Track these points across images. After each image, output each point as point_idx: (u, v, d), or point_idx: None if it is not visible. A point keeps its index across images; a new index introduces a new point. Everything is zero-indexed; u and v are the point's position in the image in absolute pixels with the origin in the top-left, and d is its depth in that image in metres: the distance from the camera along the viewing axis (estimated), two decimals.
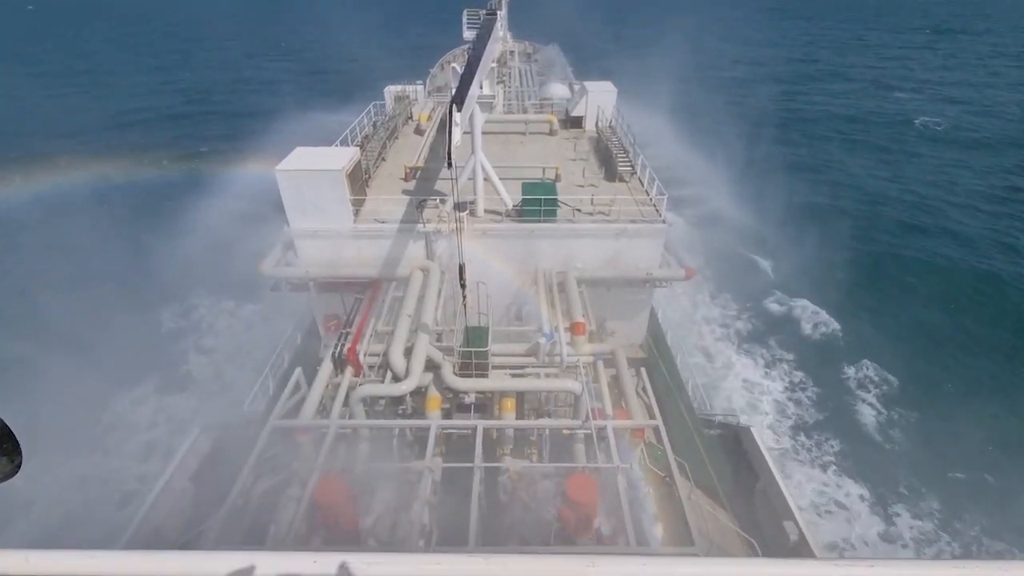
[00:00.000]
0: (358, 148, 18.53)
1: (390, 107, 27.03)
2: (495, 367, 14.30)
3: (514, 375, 14.41)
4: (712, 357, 27.47)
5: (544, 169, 20.15)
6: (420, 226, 16.70)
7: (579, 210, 17.59)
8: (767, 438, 19.02)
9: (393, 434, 12.85)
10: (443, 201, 17.16)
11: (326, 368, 14.06)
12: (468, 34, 35.49)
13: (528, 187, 17.19)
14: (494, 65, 15.32)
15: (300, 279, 17.17)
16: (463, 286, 11.99)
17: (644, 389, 15.66)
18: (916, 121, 60.03)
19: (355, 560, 2.01)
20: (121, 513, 18.32)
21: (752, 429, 15.87)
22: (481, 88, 15.13)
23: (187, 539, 12.32)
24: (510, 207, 17.52)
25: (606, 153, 21.73)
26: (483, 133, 16.58)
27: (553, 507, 10.53)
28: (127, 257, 31.72)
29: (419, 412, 13.66)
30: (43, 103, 69.46)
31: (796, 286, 31.65)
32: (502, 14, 32.77)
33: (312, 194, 16.18)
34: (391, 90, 27.87)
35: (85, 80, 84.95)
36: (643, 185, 19.30)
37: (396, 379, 13.21)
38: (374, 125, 23.96)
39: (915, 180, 45.81)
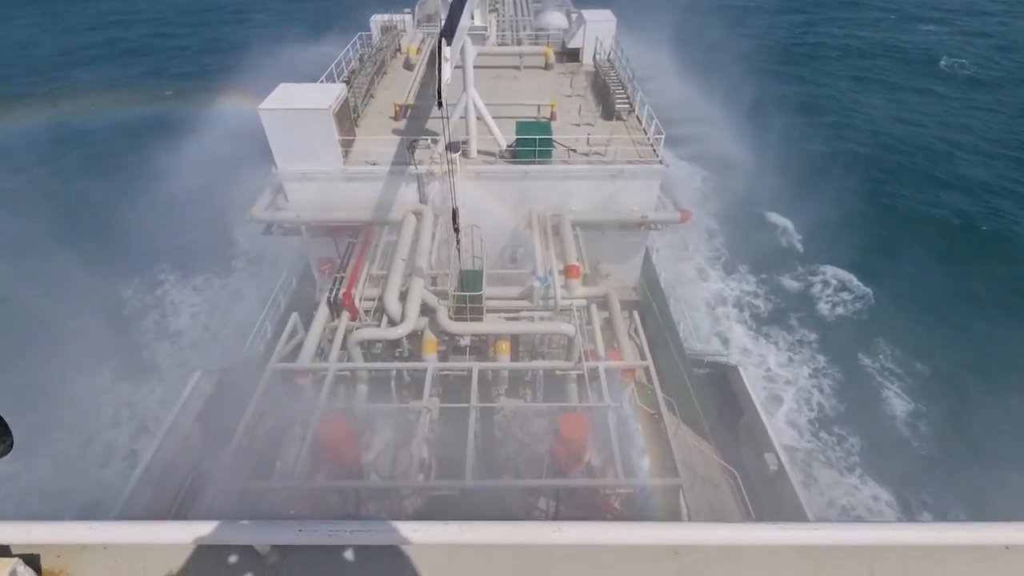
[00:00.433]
0: (344, 85, 17.74)
1: (377, 38, 25.59)
2: (490, 311, 14.47)
3: (508, 318, 14.62)
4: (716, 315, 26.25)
5: (539, 107, 19.46)
6: (412, 168, 16.32)
7: (574, 150, 17.16)
8: (753, 377, 19.56)
9: (391, 376, 13.20)
10: (435, 142, 16.67)
11: (322, 312, 14.20)
12: None
13: (522, 126, 16.67)
14: None
15: (291, 223, 16.97)
16: (456, 231, 11.90)
17: (636, 331, 15.96)
18: (942, 62, 54.21)
19: (339, 528, 2.15)
20: (129, 455, 19.08)
21: (740, 368, 16.40)
22: (472, 19, 14.29)
23: (197, 474, 12.94)
24: (504, 147, 17.06)
25: (603, 89, 20.92)
26: (475, 68, 15.84)
27: (546, 443, 11.05)
28: (94, 208, 30.58)
29: (416, 354, 13.97)
30: None
31: (812, 244, 29.42)
32: None
33: (299, 135, 15.64)
34: (377, 19, 26.28)
35: (34, 11, 77.77)
36: (641, 124, 18.74)
37: (392, 323, 13.39)
38: (360, 59, 22.80)
39: (943, 124, 41.45)
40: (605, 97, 20.48)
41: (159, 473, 13.36)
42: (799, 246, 30.11)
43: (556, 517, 10.44)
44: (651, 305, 19.08)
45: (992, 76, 50.36)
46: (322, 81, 18.78)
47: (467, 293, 13.71)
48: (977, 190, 33.26)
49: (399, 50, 25.59)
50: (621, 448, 10.90)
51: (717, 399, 16.49)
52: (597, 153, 17.07)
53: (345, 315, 14.10)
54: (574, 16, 26.60)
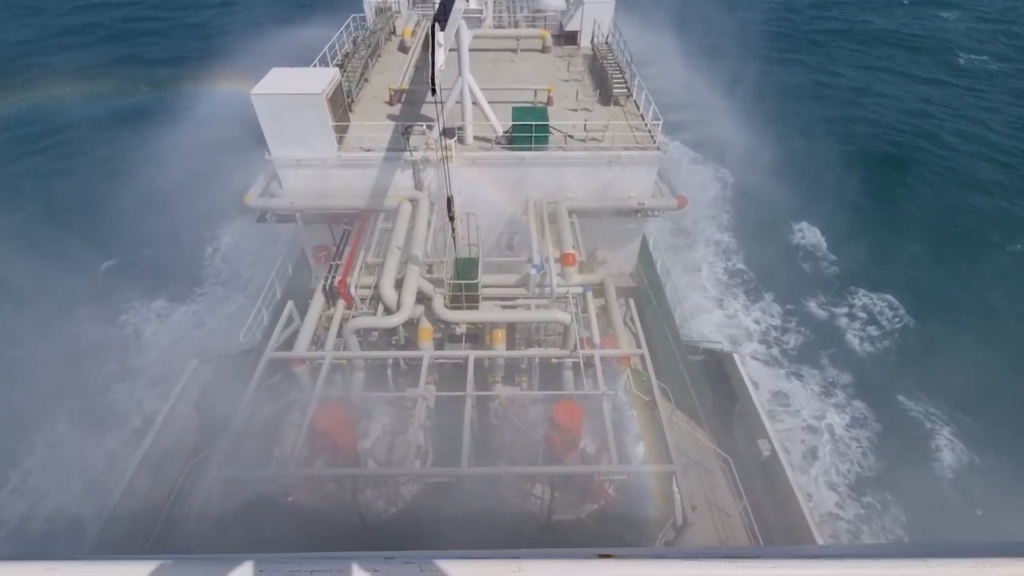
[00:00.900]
0: (338, 69, 17.45)
1: (371, 20, 25.11)
2: (486, 298, 14.47)
3: (504, 306, 14.63)
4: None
5: (536, 91, 19.21)
6: (407, 154, 16.15)
7: (571, 136, 16.99)
8: (748, 363, 19.59)
9: (387, 364, 13.23)
10: (430, 127, 16.47)
11: (318, 301, 14.18)
12: None
13: (519, 112, 16.48)
14: None
15: (286, 210, 16.83)
16: (452, 219, 11.82)
17: (632, 318, 16.00)
18: (962, 58, 50.08)
19: (299, 568, 2.10)
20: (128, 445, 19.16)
21: (734, 355, 16.48)
22: (468, 1, 14.01)
23: (196, 461, 13.04)
24: (500, 133, 16.88)
25: (601, 73, 20.64)
26: (471, 50, 15.58)
27: (541, 430, 11.14)
28: (65, 204, 29.65)
29: (412, 342, 13.99)
30: None
31: (840, 259, 27.48)
32: None
33: (292, 120, 15.43)
34: (371, 0, 25.75)
35: None
36: (639, 109, 18.54)
37: (388, 311, 13.38)
38: (354, 42, 22.40)
39: (985, 121, 38.53)
40: (603, 81, 20.22)
41: (157, 461, 13.46)
42: (825, 262, 27.88)
43: (551, 504, 10.57)
44: (647, 292, 19.10)
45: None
46: (315, 65, 18.48)
47: (463, 281, 13.68)
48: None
49: (394, 32, 25.14)
50: (616, 435, 11.01)
51: (712, 386, 16.61)
52: (594, 139, 16.91)
53: (341, 303, 14.08)
54: None
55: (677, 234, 29.23)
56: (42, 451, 19.43)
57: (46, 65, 48.59)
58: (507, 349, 13.75)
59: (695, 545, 11.98)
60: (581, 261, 15.76)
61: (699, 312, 24.63)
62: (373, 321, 13.20)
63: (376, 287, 13.80)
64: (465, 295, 13.81)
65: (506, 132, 16.73)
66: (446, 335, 14.39)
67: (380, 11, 25.42)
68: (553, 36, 23.84)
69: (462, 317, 13.63)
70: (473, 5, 14.47)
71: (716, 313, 25.03)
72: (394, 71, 21.04)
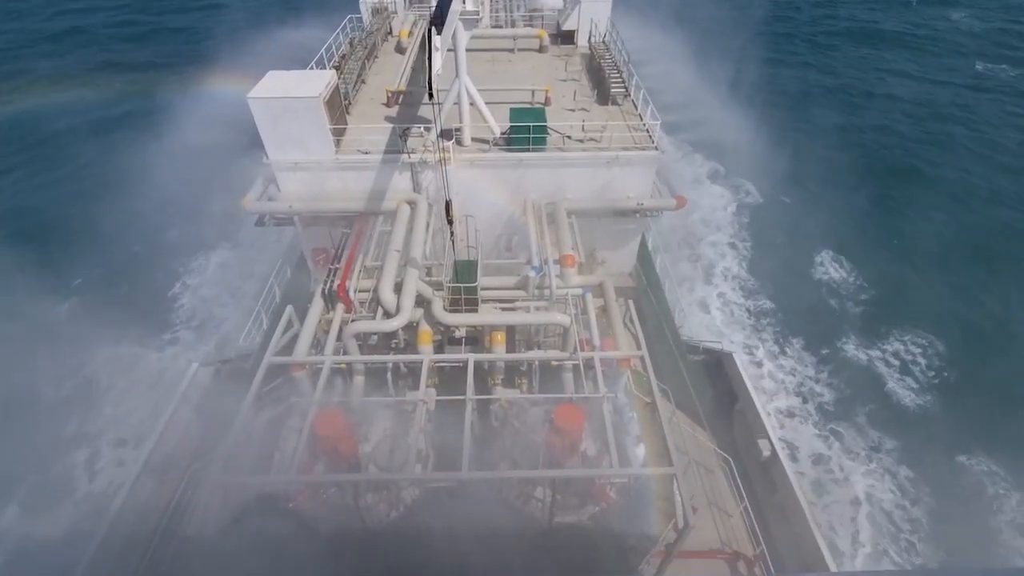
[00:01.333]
0: (335, 71, 17.38)
1: (367, 21, 25.03)
2: (485, 301, 14.45)
3: (504, 309, 14.60)
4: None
5: (533, 92, 19.16)
6: (405, 157, 16.12)
7: (569, 137, 16.95)
8: (747, 363, 19.56)
9: (387, 368, 13.22)
10: (428, 129, 16.44)
11: (317, 305, 14.16)
12: None
13: (516, 113, 16.44)
14: None
15: (284, 214, 16.81)
16: (450, 222, 11.79)
17: (631, 319, 15.99)
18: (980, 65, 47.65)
19: None
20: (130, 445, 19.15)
21: (734, 355, 16.47)
22: (464, 3, 13.95)
23: (197, 468, 13.03)
24: (498, 135, 16.84)
25: (599, 73, 20.59)
26: (467, 51, 15.52)
27: (542, 433, 11.14)
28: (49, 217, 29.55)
29: (412, 346, 13.97)
30: None
31: (869, 293, 25.60)
32: None
33: (289, 124, 15.39)
34: (368, 1, 25.65)
35: None
36: (636, 109, 18.50)
37: (387, 315, 13.36)
38: (351, 43, 22.34)
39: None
40: (600, 81, 20.18)
41: (159, 465, 13.46)
42: (852, 299, 25.79)
43: (552, 507, 10.58)
44: (647, 291, 19.09)
45: None
46: (312, 67, 18.43)
47: (462, 284, 13.66)
48: None
49: (390, 33, 25.08)
50: (616, 437, 11.01)
51: (712, 385, 16.62)
52: (592, 140, 16.88)
53: (340, 307, 14.06)
54: None
55: (693, 261, 27.84)
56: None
57: (29, 71, 47.85)
58: (507, 352, 13.73)
59: (696, 547, 12.03)
60: (580, 262, 15.74)
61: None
62: (372, 325, 13.18)
63: (375, 290, 13.77)
64: (464, 298, 13.79)
65: (504, 133, 16.70)
66: (446, 338, 14.38)
67: (376, 12, 25.33)
68: (550, 36, 23.78)
69: (461, 320, 13.62)
70: (469, 6, 14.41)
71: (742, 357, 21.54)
72: (391, 73, 20.98)
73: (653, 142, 16.77)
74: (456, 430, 10.87)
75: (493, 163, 16.46)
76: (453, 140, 16.30)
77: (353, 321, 13.42)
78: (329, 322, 13.89)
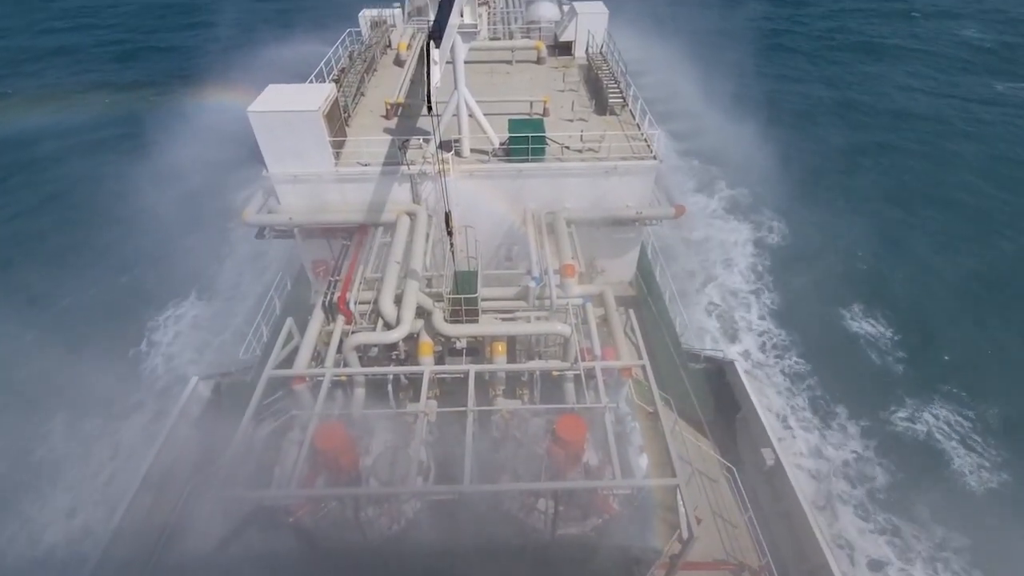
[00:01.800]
0: (334, 84, 17.53)
1: (366, 34, 25.29)
2: (485, 311, 14.43)
3: (504, 319, 14.58)
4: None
5: (532, 103, 19.29)
6: (404, 168, 16.19)
7: (568, 147, 17.04)
8: (749, 371, 19.44)
9: (388, 380, 13.17)
10: (427, 141, 16.54)
11: (317, 317, 14.14)
12: None
13: (515, 124, 16.54)
14: None
15: (284, 226, 16.85)
16: (450, 233, 11.81)
17: (632, 328, 15.97)
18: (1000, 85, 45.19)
19: None
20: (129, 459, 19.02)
21: (736, 363, 16.41)
22: (462, 16, 14.09)
23: (196, 482, 12.94)
24: (496, 145, 16.93)
25: (596, 83, 20.75)
26: (466, 63, 15.66)
27: (544, 444, 11.06)
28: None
29: (412, 357, 13.93)
30: None
31: (916, 347, 23.25)
32: None
33: (289, 137, 15.47)
34: (367, 15, 25.95)
35: None
36: (634, 119, 18.61)
37: (387, 327, 13.33)
38: (350, 56, 22.55)
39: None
40: (598, 91, 20.32)
41: (158, 481, 13.37)
42: (893, 354, 23.14)
43: (555, 519, 10.48)
44: (647, 300, 19.08)
45: None
46: (311, 80, 18.58)
47: (462, 295, 13.65)
48: None
49: (389, 46, 25.31)
50: (618, 448, 10.94)
51: (714, 394, 16.54)
52: (591, 150, 16.96)
53: (340, 319, 14.04)
54: (566, 8, 26.28)
55: (714, 313, 25.20)
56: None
57: (17, 89, 47.73)
58: (508, 362, 13.69)
59: (700, 558, 11.89)
60: (580, 272, 15.74)
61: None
62: (373, 337, 13.14)
63: (375, 302, 13.76)
64: (465, 308, 13.78)
65: (503, 144, 16.79)
66: (446, 349, 14.33)
67: (375, 25, 25.60)
68: (548, 47, 23.99)
69: (462, 331, 13.59)
70: (467, 19, 14.56)
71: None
72: (390, 85, 21.14)
73: (651, 151, 16.86)
74: (457, 442, 10.80)
75: (492, 174, 16.53)
76: (452, 151, 16.42)
77: (353, 333, 13.39)
78: (329, 334, 13.86)
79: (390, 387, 13.25)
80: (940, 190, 33.28)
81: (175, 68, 52.04)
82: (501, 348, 13.59)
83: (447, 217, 11.73)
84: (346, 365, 13.21)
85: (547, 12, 28.44)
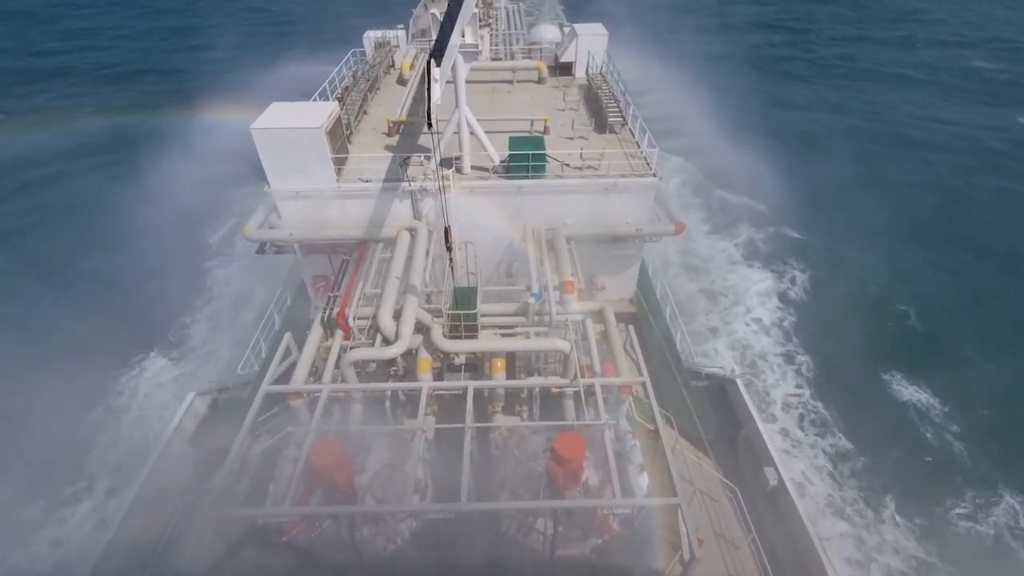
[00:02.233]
0: (337, 102, 17.79)
1: (370, 54, 25.75)
2: (484, 327, 14.37)
3: (504, 335, 14.51)
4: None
5: (532, 121, 19.52)
6: (405, 184, 16.31)
7: (568, 164, 17.18)
8: (751, 389, 19.11)
9: (386, 396, 13.06)
10: (428, 158, 16.68)
11: (316, 332, 14.09)
12: None
13: (515, 141, 16.71)
14: (477, 10, 14.42)
15: (285, 241, 16.91)
16: (449, 249, 11.83)
17: (632, 345, 15.88)
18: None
19: None
20: (121, 475, 18.80)
21: (738, 380, 16.27)
22: (463, 36, 14.34)
23: (190, 499, 12.75)
24: (497, 163, 17.07)
25: (596, 103, 21.02)
26: (468, 82, 15.89)
27: (542, 462, 10.90)
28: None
29: (411, 373, 13.83)
30: None
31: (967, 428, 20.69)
32: None
33: (292, 153, 15.63)
34: (371, 36, 26.46)
35: None
36: (634, 137, 18.79)
37: (386, 342, 13.28)
38: (354, 75, 22.91)
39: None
40: (598, 110, 20.58)
41: (151, 498, 13.17)
42: (946, 429, 20.67)
43: (554, 539, 10.27)
44: (648, 317, 19.01)
45: None
46: (315, 98, 18.85)
47: (461, 311, 13.61)
48: None
49: (392, 65, 25.74)
50: (619, 466, 10.77)
51: (716, 412, 16.36)
52: (591, 167, 17.09)
53: (339, 334, 13.98)
54: (567, 30, 26.79)
55: (752, 388, 21.86)
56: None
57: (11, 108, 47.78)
58: (507, 378, 13.57)
59: None
60: (580, 288, 15.72)
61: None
62: (371, 352, 13.08)
63: (374, 317, 13.73)
64: (464, 324, 13.72)
65: (503, 161, 16.93)
66: (445, 365, 14.24)
67: (379, 45, 26.08)
68: (549, 67, 24.37)
69: (461, 347, 13.52)
70: (469, 40, 14.82)
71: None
72: (393, 103, 21.43)
73: (651, 169, 16.97)
74: (455, 459, 10.66)
75: (493, 190, 16.64)
76: (453, 168, 16.56)
77: (352, 348, 13.33)
78: (328, 350, 13.79)
79: (388, 403, 13.13)
80: (971, 228, 31.22)
81: (178, 88, 53.09)
82: (500, 364, 13.49)
83: (446, 233, 11.76)
84: (344, 381, 13.12)
85: (548, 34, 29.00)
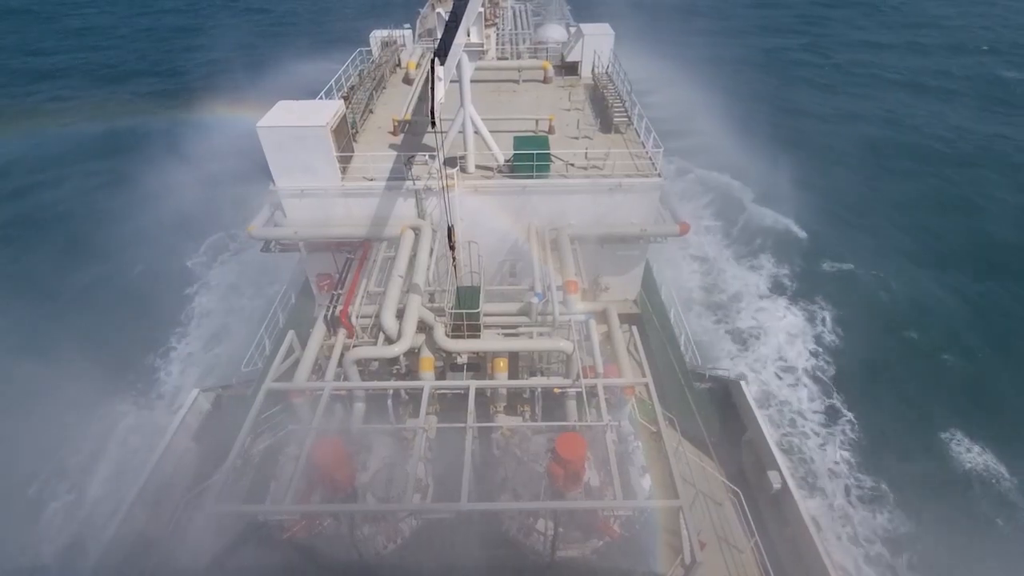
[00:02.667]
0: (343, 101, 17.80)
1: (376, 54, 25.78)
2: (487, 327, 14.35)
3: (506, 335, 14.48)
4: None
5: (537, 121, 19.47)
6: (410, 183, 16.32)
7: (572, 164, 17.13)
8: (755, 391, 18.88)
9: (388, 395, 13.06)
10: (432, 157, 16.67)
11: (319, 330, 14.11)
12: None
13: (520, 141, 16.66)
14: (482, 9, 14.38)
15: (289, 240, 16.95)
16: (452, 248, 11.81)
17: (635, 346, 15.79)
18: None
19: None
20: (126, 470, 18.91)
21: (742, 383, 16.15)
22: (469, 36, 14.31)
23: (192, 495, 12.81)
24: (501, 162, 17.05)
25: (602, 103, 20.95)
26: (473, 82, 15.87)
27: (544, 463, 10.86)
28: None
29: (413, 372, 13.84)
30: None
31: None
32: None
33: (297, 152, 15.67)
34: (377, 35, 26.50)
35: None
36: (639, 137, 18.71)
37: (389, 341, 13.28)
38: (360, 74, 22.95)
39: None
40: (603, 110, 20.50)
41: (155, 494, 13.24)
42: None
43: (555, 540, 10.23)
44: (652, 318, 18.92)
45: None
46: (321, 97, 18.90)
47: (464, 310, 13.59)
48: None
49: (399, 65, 25.77)
50: (620, 467, 10.72)
51: (719, 414, 16.26)
52: (595, 167, 17.03)
53: (342, 333, 14.01)
54: (573, 30, 26.74)
55: (791, 453, 19.55)
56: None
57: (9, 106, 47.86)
58: (509, 378, 13.55)
59: None
60: (584, 288, 15.66)
61: None
62: (373, 351, 13.08)
63: (377, 316, 13.73)
64: (467, 324, 13.71)
65: (508, 161, 16.89)
66: (447, 364, 14.23)
67: (386, 45, 26.12)
68: (554, 67, 24.32)
69: (463, 346, 13.49)
70: (474, 39, 14.79)
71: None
72: (398, 102, 21.45)
73: (656, 169, 16.89)
74: (456, 459, 10.64)
75: (497, 190, 16.61)
76: (457, 167, 16.54)
77: (354, 347, 13.34)
78: (331, 348, 13.82)
79: (390, 402, 13.13)
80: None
81: (182, 87, 53.35)
82: (502, 364, 13.46)
83: (449, 232, 11.74)
84: (346, 379, 13.13)
85: (554, 34, 28.98)
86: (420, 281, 14.14)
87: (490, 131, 16.84)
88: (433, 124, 9.60)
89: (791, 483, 13.31)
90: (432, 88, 10.30)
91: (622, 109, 19.63)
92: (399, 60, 25.88)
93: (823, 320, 25.41)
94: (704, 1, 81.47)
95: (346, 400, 13.31)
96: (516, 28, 33.57)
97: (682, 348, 18.23)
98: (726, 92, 43.05)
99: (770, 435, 14.54)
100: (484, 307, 14.15)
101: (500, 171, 16.99)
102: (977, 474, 19.16)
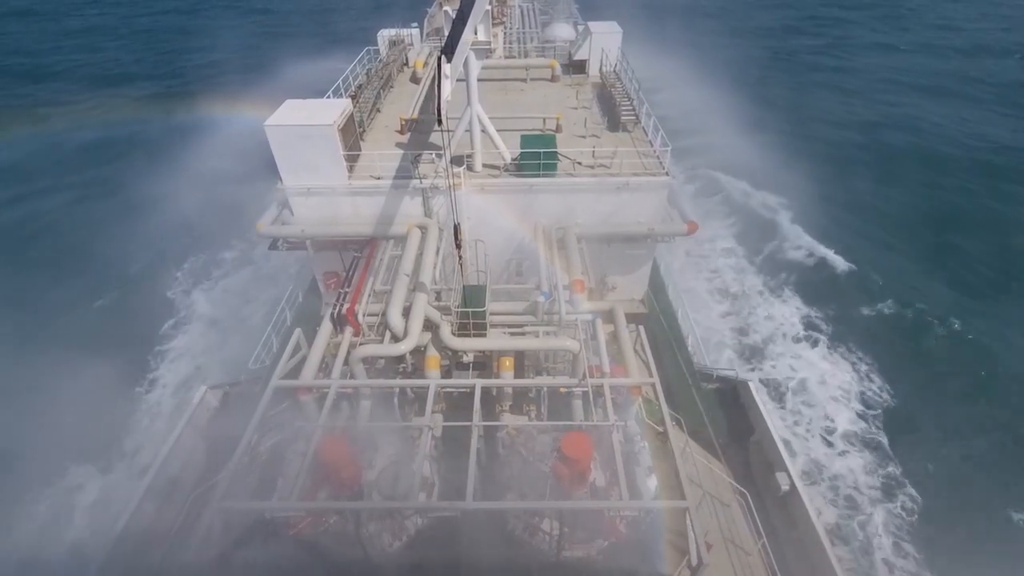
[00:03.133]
0: (350, 100, 17.86)
1: (384, 53, 25.83)
2: (494, 325, 14.33)
3: (513, 334, 14.45)
4: None
5: (544, 119, 19.42)
6: (417, 182, 16.32)
7: (580, 163, 17.06)
8: (763, 392, 18.65)
9: (394, 393, 13.07)
10: (439, 156, 16.67)
11: (326, 328, 14.15)
12: None
13: (527, 139, 16.62)
14: (490, 7, 14.35)
15: (297, 238, 17.03)
16: (458, 246, 11.79)
17: (642, 346, 15.70)
18: None
19: None
20: (135, 466, 19.08)
21: (750, 383, 16.02)
22: (476, 34, 14.28)
23: (200, 491, 12.89)
24: (508, 161, 17.01)
25: (609, 101, 20.86)
26: (481, 80, 15.85)
27: (549, 462, 10.82)
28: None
29: (419, 370, 13.84)
30: None
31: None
32: None
33: (304, 150, 15.73)
34: (385, 34, 26.55)
35: None
36: (647, 136, 18.60)
37: (395, 339, 13.29)
38: (367, 73, 23.00)
39: None
40: (611, 109, 20.41)
41: (163, 489, 13.35)
42: None
43: (560, 540, 10.19)
44: (659, 318, 18.81)
45: None
46: (329, 96, 18.95)
47: (470, 309, 13.57)
48: None
49: (406, 64, 25.80)
50: (627, 468, 10.65)
51: (727, 415, 16.13)
52: (603, 166, 16.95)
53: (349, 331, 14.03)
54: (580, 28, 26.65)
55: (845, 538, 16.95)
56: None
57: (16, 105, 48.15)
58: (515, 377, 13.51)
59: None
60: (590, 288, 15.59)
61: None
62: (380, 349, 13.10)
63: (383, 314, 13.75)
64: (473, 323, 13.69)
65: (515, 159, 16.85)
66: (453, 362, 14.22)
67: (393, 44, 26.17)
68: (562, 65, 24.25)
69: (469, 345, 13.47)
70: (482, 37, 14.76)
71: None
72: (406, 101, 21.48)
73: (664, 168, 16.78)
74: (462, 457, 10.62)
75: (504, 188, 16.57)
76: (464, 166, 16.54)
77: (361, 345, 13.36)
78: (337, 346, 13.86)
79: (396, 400, 13.14)
80: None
81: (187, 86, 53.72)
82: (508, 363, 13.42)
83: (456, 230, 11.72)
84: (353, 377, 13.16)
85: (562, 32, 28.89)
86: (426, 280, 14.14)
87: (497, 130, 16.82)
88: (440, 123, 9.58)
89: (800, 485, 13.18)
90: (438, 86, 10.28)
91: (630, 107, 19.54)
92: (407, 59, 25.91)
93: (868, 376, 22.17)
94: (712, 1, 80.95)
95: (352, 398, 13.34)
96: (524, 26, 33.50)
97: (689, 348, 18.12)
98: (735, 92, 42.74)
99: (778, 436, 14.41)
100: (490, 306, 14.13)
101: (507, 170, 16.95)
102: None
